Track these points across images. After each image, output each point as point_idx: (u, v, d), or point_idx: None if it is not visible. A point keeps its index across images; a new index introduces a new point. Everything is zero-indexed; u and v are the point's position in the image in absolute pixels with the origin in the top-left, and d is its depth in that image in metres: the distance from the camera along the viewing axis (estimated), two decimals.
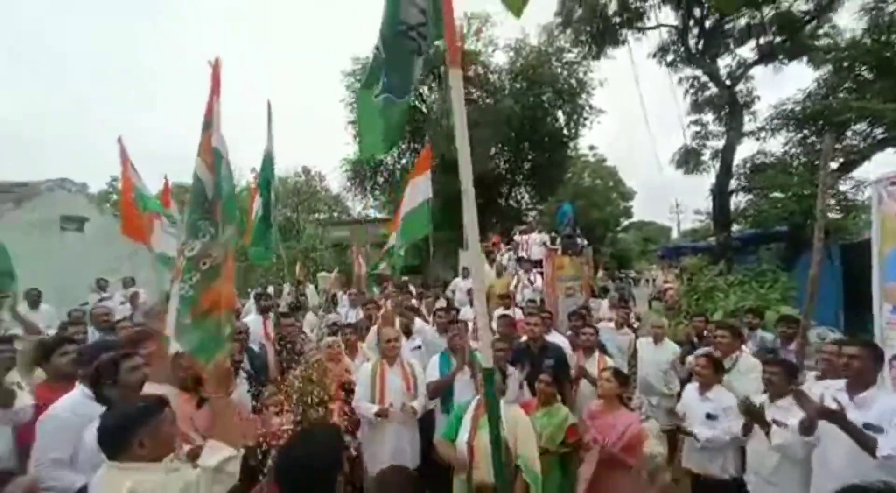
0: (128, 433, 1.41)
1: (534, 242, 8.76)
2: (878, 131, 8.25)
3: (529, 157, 16.51)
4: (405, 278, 11.23)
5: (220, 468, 1.38)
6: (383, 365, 3.25)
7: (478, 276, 1.74)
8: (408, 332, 4.08)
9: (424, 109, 15.76)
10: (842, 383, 2.25)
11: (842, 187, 8.35)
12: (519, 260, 8.05)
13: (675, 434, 4.02)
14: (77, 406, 2.02)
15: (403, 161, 16.89)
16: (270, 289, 8.17)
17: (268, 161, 4.62)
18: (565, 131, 15.74)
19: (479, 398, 2.76)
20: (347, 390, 3.58)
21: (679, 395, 4.09)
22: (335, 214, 24.53)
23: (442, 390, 3.31)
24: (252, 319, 4.56)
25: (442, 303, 6.20)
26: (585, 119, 15.25)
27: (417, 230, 4.95)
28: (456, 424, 2.59)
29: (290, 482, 1.27)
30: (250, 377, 3.31)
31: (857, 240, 7.80)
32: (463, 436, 2.47)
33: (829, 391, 2.23)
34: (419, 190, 4.85)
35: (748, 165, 9.79)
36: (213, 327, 2.49)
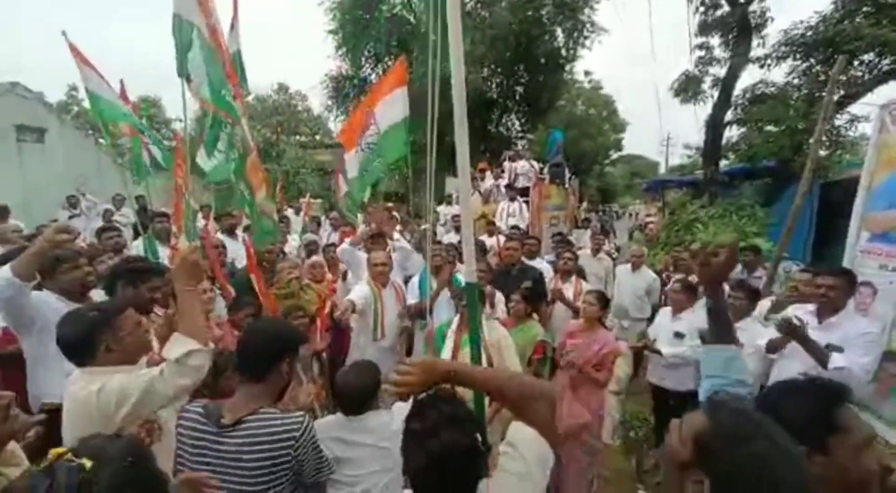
0: (90, 339, 1.38)
1: (522, 170, 8.57)
2: (886, 62, 7.91)
3: (523, 80, 15.58)
4: (389, 204, 11.09)
5: (183, 362, 1.34)
6: (379, 289, 3.30)
7: (465, 200, 1.68)
8: None
9: (413, 19, 14.38)
10: (812, 306, 2.33)
11: (836, 122, 8.18)
12: (507, 187, 7.92)
13: (640, 354, 4.31)
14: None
15: None
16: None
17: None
18: (563, 52, 14.72)
19: (459, 317, 2.81)
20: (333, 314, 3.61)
21: (649, 319, 4.32)
22: (317, 137, 23.42)
23: (422, 311, 3.37)
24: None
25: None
26: (586, 38, 14.20)
27: (394, 151, 4.62)
28: (440, 342, 2.65)
29: (242, 364, 1.42)
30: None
31: (837, 179, 7.83)
32: (446, 354, 2.54)
33: (800, 313, 2.33)
34: (395, 106, 4.46)
35: (748, 95, 9.42)
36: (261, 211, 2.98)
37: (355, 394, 1.68)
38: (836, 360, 2.09)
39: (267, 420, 1.31)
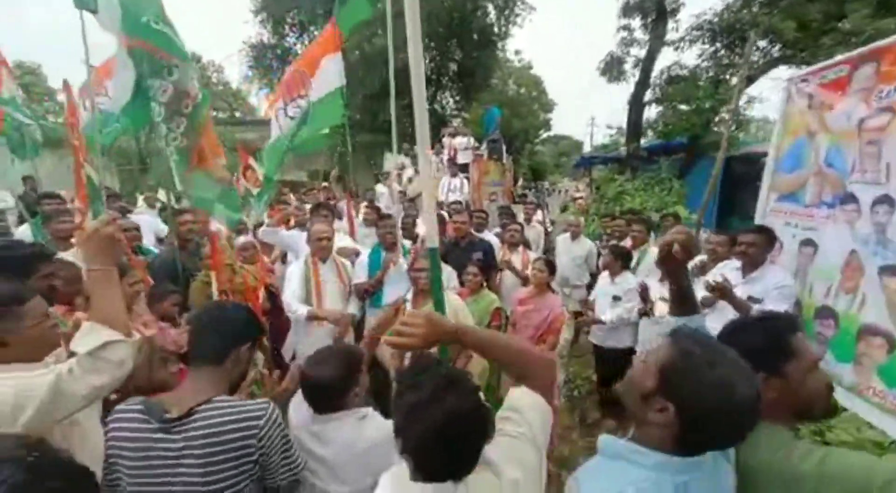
0: None
1: (460, 146, 8.56)
2: (776, 49, 8.90)
3: (457, 57, 15.46)
4: (325, 183, 10.57)
5: (98, 355, 1.12)
6: (316, 264, 3.03)
7: (425, 168, 1.67)
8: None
9: None
10: (738, 264, 2.58)
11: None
12: (449, 161, 7.88)
13: (580, 317, 4.57)
14: None
15: None
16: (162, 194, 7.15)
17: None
18: (496, 29, 14.79)
19: (413, 289, 2.75)
20: (271, 292, 3.35)
21: (588, 286, 4.57)
22: (236, 113, 21.57)
23: (371, 290, 3.24)
24: (145, 219, 3.95)
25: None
26: (517, 16, 14.37)
27: (329, 120, 4.33)
28: None
29: (198, 347, 1.25)
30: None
31: (737, 154, 8.79)
32: None
33: (725, 270, 2.56)
34: (329, 74, 4.16)
35: (664, 76, 10.17)
36: (219, 182, 2.28)
37: (323, 389, 1.41)
38: (755, 313, 2.33)
39: (223, 408, 1.14)
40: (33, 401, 1.06)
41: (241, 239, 3.81)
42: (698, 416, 0.84)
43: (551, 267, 3.09)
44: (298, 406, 1.48)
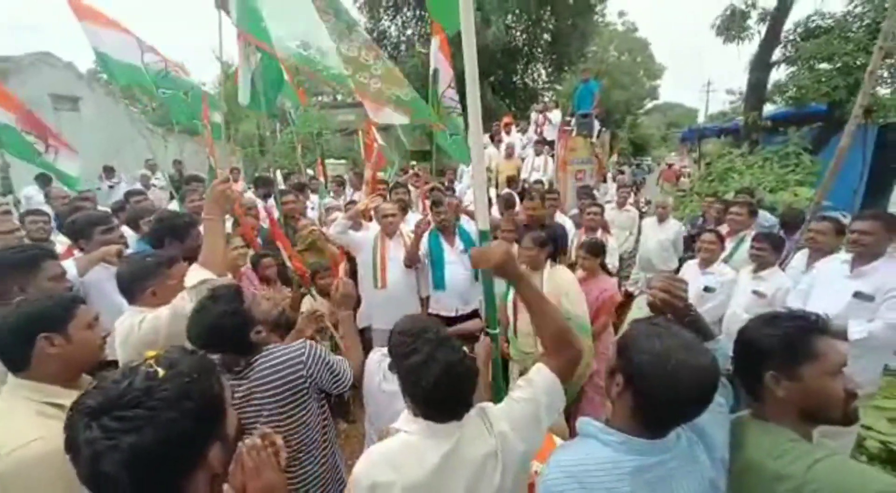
0: (138, 283, 1.58)
1: (555, 120, 8.28)
2: None
3: (550, 26, 14.64)
4: (413, 163, 11.01)
5: (199, 289, 1.46)
6: (384, 239, 3.28)
7: (477, 149, 1.68)
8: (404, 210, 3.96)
9: None
10: (846, 256, 2.23)
11: None
12: (538, 142, 7.69)
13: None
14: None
15: (409, 32, 15.17)
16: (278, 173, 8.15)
17: None
18: None
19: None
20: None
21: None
22: (338, 97, 23.10)
23: (416, 254, 3.23)
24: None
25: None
26: None
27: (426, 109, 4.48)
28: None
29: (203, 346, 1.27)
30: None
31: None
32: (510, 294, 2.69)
33: (833, 264, 2.23)
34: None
35: (800, 29, 8.52)
36: None
37: None
38: (853, 332, 1.97)
39: (270, 355, 1.44)
40: (165, 318, 1.48)
41: (335, 214, 4.25)
42: (640, 384, 0.88)
43: (595, 249, 2.96)
44: (372, 375, 1.78)
